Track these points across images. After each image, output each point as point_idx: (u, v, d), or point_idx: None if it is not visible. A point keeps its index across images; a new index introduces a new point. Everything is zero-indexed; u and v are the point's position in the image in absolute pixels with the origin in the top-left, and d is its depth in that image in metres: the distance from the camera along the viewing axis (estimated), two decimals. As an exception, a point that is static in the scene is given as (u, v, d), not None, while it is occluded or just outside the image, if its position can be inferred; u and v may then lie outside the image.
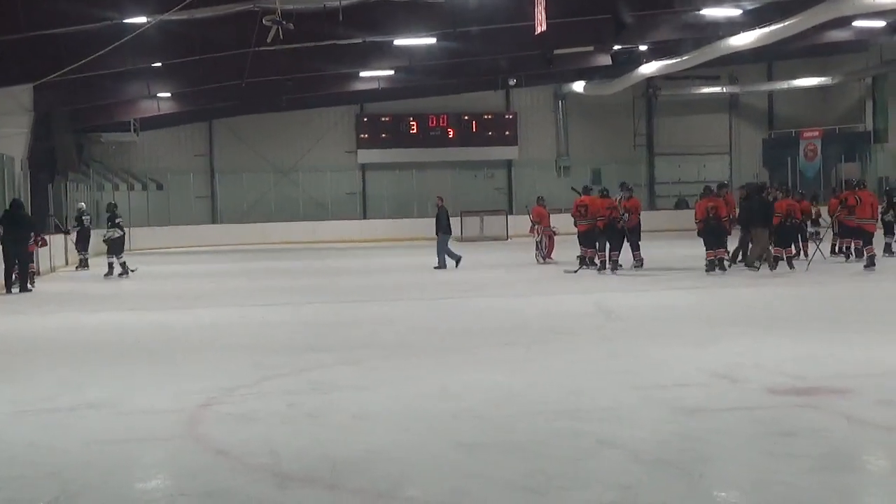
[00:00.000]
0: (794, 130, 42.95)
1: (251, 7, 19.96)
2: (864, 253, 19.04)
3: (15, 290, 19.30)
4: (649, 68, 35.12)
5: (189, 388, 8.73)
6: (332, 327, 13.15)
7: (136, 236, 32.35)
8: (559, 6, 21.04)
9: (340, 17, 20.81)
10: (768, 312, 13.58)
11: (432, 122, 42.94)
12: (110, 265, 22.64)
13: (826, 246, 21.12)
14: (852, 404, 7.44)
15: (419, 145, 42.50)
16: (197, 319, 14.61)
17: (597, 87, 40.41)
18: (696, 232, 19.43)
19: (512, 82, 39.30)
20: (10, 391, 9.00)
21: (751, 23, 27.81)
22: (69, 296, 19.12)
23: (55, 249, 25.84)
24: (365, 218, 41.74)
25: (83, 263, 25.97)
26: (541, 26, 20.31)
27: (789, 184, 30.17)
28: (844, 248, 21.02)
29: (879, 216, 21.15)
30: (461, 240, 36.45)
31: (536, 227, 23.50)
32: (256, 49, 23.23)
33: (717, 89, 43.61)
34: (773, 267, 18.70)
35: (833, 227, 21.15)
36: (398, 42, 28.45)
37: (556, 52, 32.75)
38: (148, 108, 36.11)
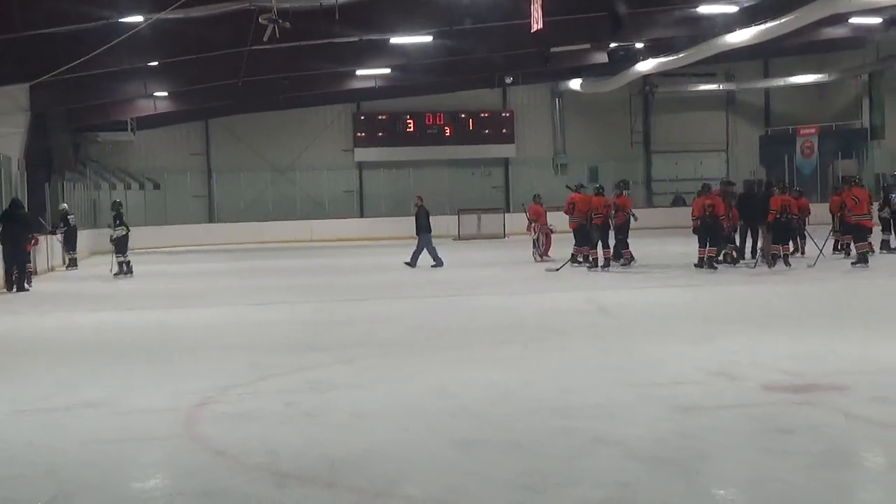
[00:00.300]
0: (790, 127, 42.96)
1: (247, 6, 19.94)
2: (856, 250, 19.04)
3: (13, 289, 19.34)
4: (646, 66, 35.14)
5: (186, 387, 8.74)
6: (330, 326, 13.15)
7: (133, 235, 32.12)
8: (556, 4, 21.04)
9: (337, 16, 20.80)
10: (764, 310, 13.60)
11: (429, 121, 42.91)
12: (119, 264, 22.63)
13: (829, 243, 21.14)
14: (849, 401, 7.45)
15: (416, 143, 42.47)
16: (194, 319, 14.61)
17: (594, 84, 40.42)
18: (691, 229, 19.48)
19: (509, 80, 39.30)
20: (7, 391, 9.01)
21: (747, 20, 27.82)
22: (66, 295, 19.12)
23: (57, 249, 25.97)
24: (362, 216, 41.74)
25: (72, 263, 26.03)
26: (537, 24, 20.32)
27: (786, 181, 30.16)
28: (844, 245, 21.04)
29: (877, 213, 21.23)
30: (459, 238, 36.54)
31: (533, 225, 23.52)
32: (253, 48, 23.24)
33: (713, 86, 43.62)
34: (771, 264, 18.70)
35: (834, 224, 21.17)
36: (395, 40, 28.44)
37: (553, 49, 32.76)
38: (144, 108, 36.07)
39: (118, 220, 22.85)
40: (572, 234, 21.11)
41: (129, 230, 22.96)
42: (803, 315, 13.04)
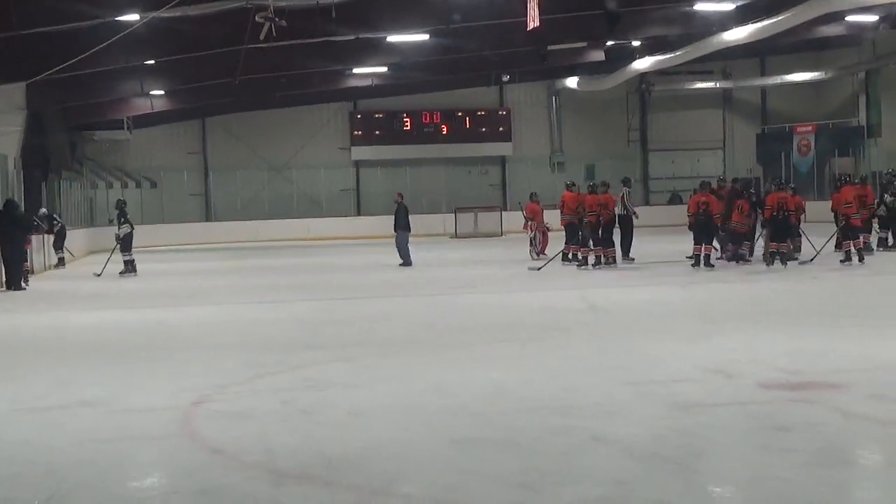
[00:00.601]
0: (787, 125, 42.95)
1: (244, 4, 19.92)
2: (844, 248, 19.04)
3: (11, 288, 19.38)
4: (643, 64, 35.12)
5: (183, 385, 8.73)
6: (327, 324, 13.15)
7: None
8: (552, 2, 21.05)
9: (333, 14, 20.79)
10: (762, 307, 13.60)
11: (426, 119, 42.87)
12: (126, 263, 22.57)
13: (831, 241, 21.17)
14: (846, 399, 7.46)
15: (413, 142, 42.42)
16: (191, 317, 14.61)
17: (590, 82, 40.39)
18: (687, 225, 19.54)
19: (505, 78, 39.29)
20: (4, 390, 9.00)
21: (744, 18, 27.81)
22: (63, 294, 19.10)
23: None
24: (359, 215, 41.69)
25: (60, 262, 26.08)
26: (534, 22, 20.31)
27: (782, 178, 30.15)
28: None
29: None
30: (456, 236, 36.54)
31: (530, 223, 23.53)
32: (249, 46, 23.20)
33: (710, 84, 43.61)
34: (769, 262, 18.69)
35: (837, 222, 21.17)
36: (391, 39, 28.42)
37: (550, 47, 32.72)
38: (141, 106, 36.03)
39: (122, 218, 22.76)
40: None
41: (133, 228, 22.90)
42: (801, 313, 13.05)
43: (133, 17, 20.02)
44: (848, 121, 42.06)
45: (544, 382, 8.53)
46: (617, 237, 20.92)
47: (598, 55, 33.63)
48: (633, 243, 21.17)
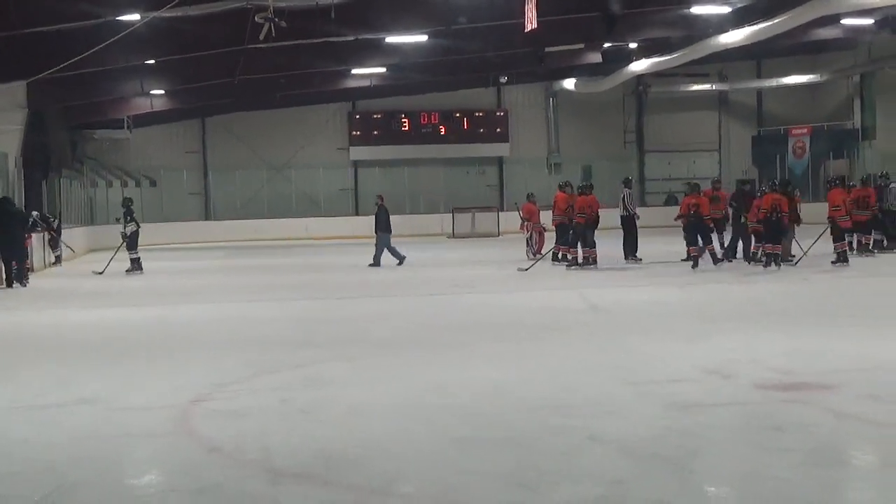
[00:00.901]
0: (782, 128, 43.00)
1: (244, 4, 19.91)
2: (834, 249, 19.07)
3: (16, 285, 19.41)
4: (639, 66, 35.13)
5: (181, 384, 8.72)
6: (325, 323, 13.13)
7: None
8: (550, 4, 21.04)
9: (333, 15, 20.78)
10: (759, 308, 13.59)
11: (424, 120, 42.88)
12: (132, 261, 22.56)
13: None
14: (840, 399, 7.46)
15: (411, 142, 42.43)
16: (189, 316, 14.58)
17: (587, 84, 40.41)
18: (681, 226, 19.59)
19: (503, 80, 39.28)
20: (3, 388, 8.98)
21: (740, 20, 27.83)
22: (62, 292, 19.07)
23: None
24: (357, 214, 41.66)
25: (57, 260, 26.16)
26: (531, 24, 20.31)
27: (777, 180, 30.10)
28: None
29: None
30: (454, 236, 36.53)
31: (527, 223, 23.55)
32: (249, 46, 23.19)
33: (706, 87, 43.64)
34: (766, 264, 18.68)
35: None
36: (390, 39, 28.42)
37: (547, 49, 32.75)
38: (141, 105, 36.03)
39: (129, 216, 22.76)
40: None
41: (139, 227, 22.92)
42: (796, 314, 13.04)
43: (134, 16, 20.01)
44: (843, 123, 42.09)
45: (543, 382, 8.52)
46: (619, 237, 21.00)
47: (595, 57, 33.66)
48: (635, 243, 21.19)
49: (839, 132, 41.81)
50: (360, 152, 42.59)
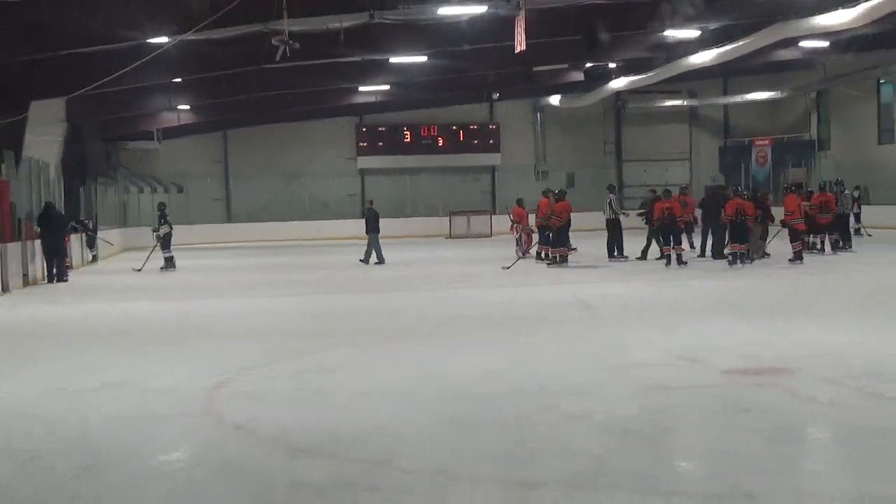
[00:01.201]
0: (747, 139, 42.93)
1: (261, 28, 19.85)
2: (792, 249, 19.08)
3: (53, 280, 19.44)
4: (618, 83, 35.10)
5: (206, 369, 8.71)
6: (335, 316, 13.12)
7: (155, 234, 32.29)
8: (538, 27, 20.98)
9: (342, 38, 20.74)
10: (725, 301, 13.59)
11: (424, 132, 42.81)
12: (166, 259, 22.60)
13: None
14: (799, 382, 7.46)
15: (412, 152, 42.37)
16: (212, 308, 14.57)
17: (571, 100, 40.37)
18: (655, 228, 19.58)
19: (495, 96, 39.18)
20: (45, 372, 8.98)
21: (709, 43, 27.83)
22: (98, 287, 19.06)
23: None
24: (363, 217, 41.62)
25: (94, 259, 26.36)
26: (521, 46, 20.28)
27: (741, 186, 30.06)
28: (811, 242, 21.04)
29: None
30: (450, 237, 36.51)
31: (516, 225, 23.53)
32: (266, 66, 23.15)
33: (678, 102, 43.56)
34: (732, 262, 18.64)
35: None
36: (394, 60, 28.36)
37: (535, 69, 32.67)
38: (169, 119, 35.95)
39: (163, 219, 22.82)
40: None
41: (172, 228, 22.97)
42: (760, 306, 13.02)
43: (162, 40, 19.98)
44: (801, 135, 42.06)
45: (529, 367, 8.52)
46: (603, 238, 21.06)
47: (578, 76, 33.64)
48: (622, 243, 21.18)
49: (798, 143, 41.79)
50: (366, 161, 42.53)
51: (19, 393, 8.04)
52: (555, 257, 20.14)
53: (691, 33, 26.41)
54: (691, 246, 21.75)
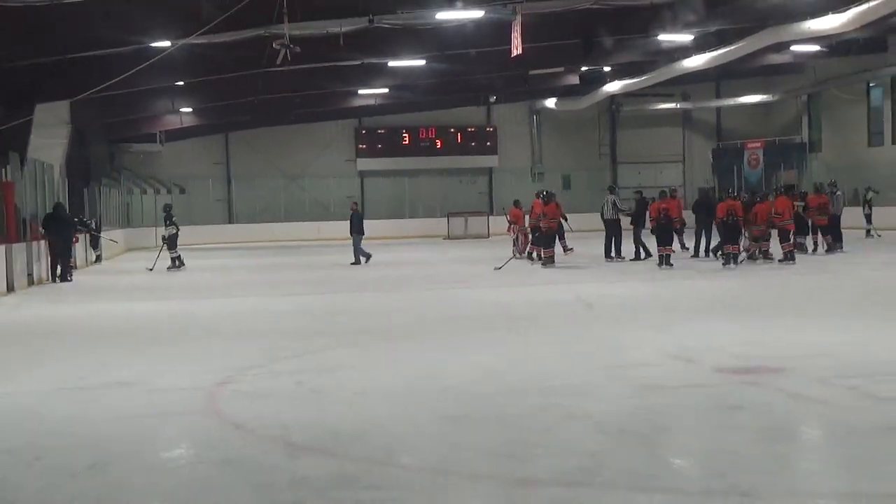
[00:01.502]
0: (739, 142, 43.01)
1: (263, 33, 19.88)
2: (782, 250, 19.10)
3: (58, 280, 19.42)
4: (613, 87, 35.17)
5: (207, 368, 8.70)
6: (334, 315, 13.10)
7: (160, 234, 32.28)
8: (534, 32, 21.03)
9: (342, 42, 20.76)
10: (718, 301, 13.59)
11: (422, 134, 42.87)
12: (172, 259, 22.65)
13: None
14: (791, 382, 7.45)
15: (411, 154, 42.43)
16: (214, 308, 14.56)
17: (567, 103, 40.43)
18: (650, 229, 19.57)
19: (492, 99, 39.29)
20: (50, 371, 8.97)
21: (701, 47, 27.87)
22: (102, 287, 19.05)
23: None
24: (363, 218, 41.57)
25: (98, 259, 26.42)
26: (517, 50, 20.31)
27: (734, 188, 30.07)
28: (798, 242, 21.10)
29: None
30: (448, 238, 36.50)
31: (513, 226, 23.55)
32: (267, 70, 23.16)
33: (671, 105, 43.64)
34: (725, 262, 18.63)
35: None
36: (392, 64, 28.40)
37: (531, 72, 32.76)
38: (172, 122, 35.98)
39: (168, 220, 22.88)
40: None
41: (178, 229, 23.01)
42: (753, 306, 13.03)
43: (165, 43, 19.98)
44: (792, 138, 42.12)
45: (527, 366, 8.51)
46: (599, 238, 21.07)
47: (574, 79, 33.69)
48: (621, 243, 21.16)
49: (789, 146, 41.85)
50: (365, 163, 42.58)
51: (24, 391, 8.02)
52: (543, 257, 20.08)
53: (684, 37, 26.46)
54: (682, 247, 21.79)
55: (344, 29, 20.71)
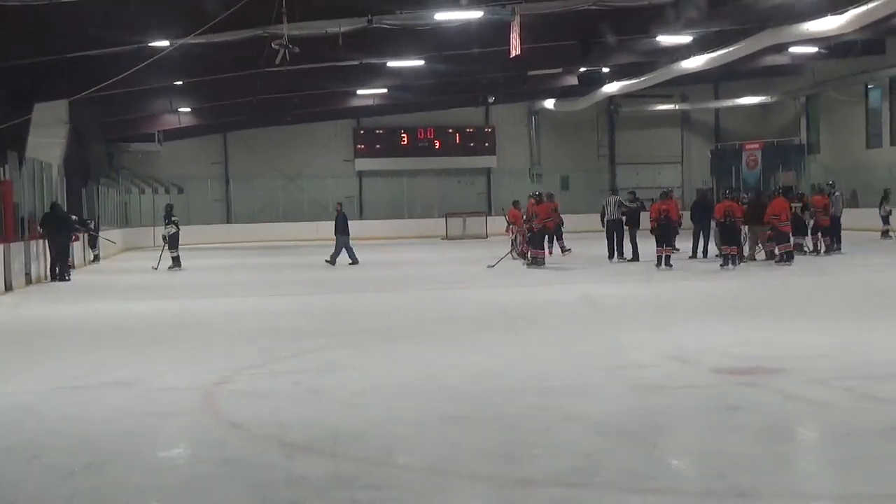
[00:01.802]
0: (737, 143, 43.01)
1: (261, 33, 19.87)
2: (778, 250, 19.10)
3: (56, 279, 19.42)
4: (611, 88, 35.16)
5: (206, 368, 8.70)
6: (332, 315, 13.10)
7: (160, 234, 32.27)
8: (532, 33, 21.02)
9: (340, 42, 20.75)
10: (716, 302, 13.60)
11: (421, 135, 42.86)
12: (173, 258, 22.69)
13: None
14: (788, 383, 7.45)
15: (409, 155, 42.42)
16: (213, 308, 14.55)
17: (565, 104, 40.41)
18: (649, 229, 19.56)
19: (491, 99, 39.25)
20: (46, 370, 8.96)
21: (700, 48, 27.88)
22: (100, 286, 19.04)
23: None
24: (361, 219, 41.60)
25: (95, 258, 26.45)
26: (516, 51, 20.30)
27: (732, 189, 30.10)
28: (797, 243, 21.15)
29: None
30: (447, 238, 36.49)
31: (511, 227, 23.55)
32: (265, 69, 23.15)
33: (670, 106, 43.63)
34: (723, 263, 18.62)
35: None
36: (391, 64, 28.38)
37: (530, 73, 32.74)
38: (170, 122, 35.94)
39: (167, 220, 22.96)
40: None
41: (178, 229, 23.06)
42: (750, 307, 13.03)
43: (164, 43, 19.97)
44: (791, 139, 42.14)
45: (524, 366, 8.51)
46: (597, 239, 21.06)
47: (572, 80, 33.65)
48: (623, 244, 21.16)
49: (788, 147, 41.86)
50: (364, 164, 42.56)
51: (22, 391, 8.02)
52: (533, 258, 20.05)
53: (683, 39, 26.46)
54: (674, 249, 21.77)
55: (343, 29, 20.70)
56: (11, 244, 17.86)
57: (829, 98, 39.27)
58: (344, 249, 22.43)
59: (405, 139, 42.73)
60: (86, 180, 29.61)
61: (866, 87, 37.64)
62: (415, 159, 42.32)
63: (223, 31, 19.62)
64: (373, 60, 27.32)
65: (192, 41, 19.31)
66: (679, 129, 45.12)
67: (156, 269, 22.39)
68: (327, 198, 41.31)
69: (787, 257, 18.85)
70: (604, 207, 21.58)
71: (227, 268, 23.88)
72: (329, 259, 22.36)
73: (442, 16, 20.95)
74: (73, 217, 23.41)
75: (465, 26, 21.85)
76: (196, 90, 30.51)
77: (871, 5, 21.05)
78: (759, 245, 20.05)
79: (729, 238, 18.84)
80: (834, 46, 29.64)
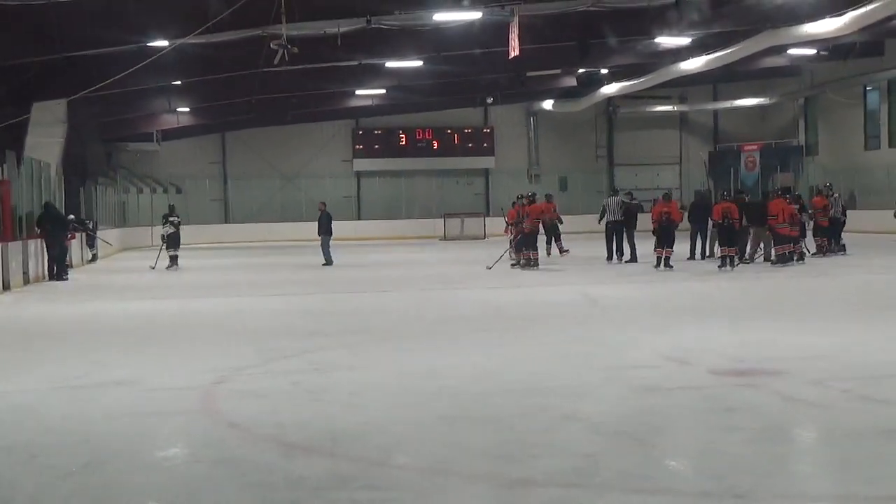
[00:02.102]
0: (736, 144, 43.04)
1: (260, 33, 19.88)
2: (775, 252, 19.10)
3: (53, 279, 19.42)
4: (610, 89, 35.19)
5: (203, 368, 8.70)
6: (331, 315, 13.11)
7: (158, 234, 32.25)
8: (531, 33, 21.03)
9: (339, 42, 20.76)
10: (714, 303, 13.61)
11: (419, 135, 42.86)
12: (171, 258, 22.70)
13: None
14: (786, 384, 7.46)
15: (407, 155, 42.43)
16: (210, 308, 14.55)
17: (564, 104, 40.43)
18: (651, 231, 19.55)
19: (489, 100, 39.26)
20: (45, 370, 8.96)
21: (699, 50, 27.90)
22: (98, 286, 19.02)
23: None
24: (359, 219, 41.63)
25: (93, 258, 26.51)
26: (515, 51, 20.31)
27: (730, 190, 30.11)
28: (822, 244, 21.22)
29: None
30: (445, 238, 36.49)
31: (510, 227, 23.52)
32: (264, 70, 23.16)
33: (668, 108, 43.66)
34: (721, 264, 18.61)
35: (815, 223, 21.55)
36: (389, 64, 28.40)
37: (529, 74, 32.78)
38: (168, 121, 35.94)
39: (165, 219, 23.00)
40: None
41: (176, 229, 23.09)
42: (747, 308, 13.04)
43: (162, 43, 19.97)
44: (789, 141, 42.18)
45: (523, 367, 8.52)
46: (596, 240, 21.02)
47: (571, 81, 33.71)
48: (623, 245, 21.12)
49: (786, 148, 41.89)
50: (362, 164, 42.56)
51: (21, 390, 8.02)
52: (525, 260, 20.00)
53: (681, 40, 26.49)
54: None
55: (342, 29, 20.71)
56: (10, 244, 17.85)
57: (827, 100, 39.29)
58: (328, 247, 22.49)
59: (404, 139, 42.73)
60: (84, 180, 29.59)
61: (865, 88, 37.68)
62: (413, 160, 42.33)
63: (222, 31, 19.64)
64: (372, 61, 27.33)
65: (191, 41, 19.32)
66: (678, 130, 45.13)
67: (153, 268, 22.38)
68: (325, 198, 41.21)
69: (786, 258, 18.83)
70: (604, 208, 21.53)
71: (226, 268, 23.88)
72: (325, 261, 22.35)
73: (441, 16, 20.97)
74: (71, 216, 23.41)
75: (464, 27, 21.87)
76: (195, 90, 30.52)
77: (869, 7, 21.10)
78: (760, 247, 20.03)
79: (727, 239, 18.85)
80: (833, 48, 29.68)
